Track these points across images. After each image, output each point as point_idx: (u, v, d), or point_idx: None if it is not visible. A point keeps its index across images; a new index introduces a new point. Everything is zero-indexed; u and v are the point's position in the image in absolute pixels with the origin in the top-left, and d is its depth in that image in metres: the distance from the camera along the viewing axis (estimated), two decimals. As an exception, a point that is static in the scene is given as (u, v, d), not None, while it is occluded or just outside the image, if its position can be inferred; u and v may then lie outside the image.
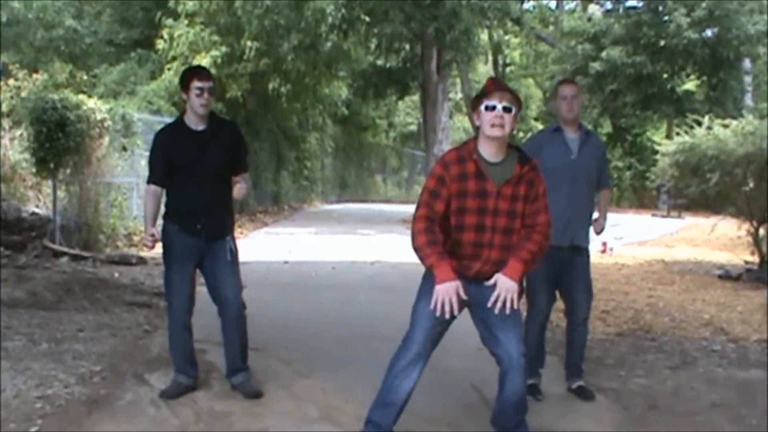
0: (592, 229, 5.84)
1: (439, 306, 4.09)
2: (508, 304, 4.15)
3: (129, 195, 13.68)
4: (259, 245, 14.69)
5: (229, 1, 18.62)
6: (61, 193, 12.12)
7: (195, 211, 5.27)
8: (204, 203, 5.28)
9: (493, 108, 4.18)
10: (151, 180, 5.37)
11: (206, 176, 5.28)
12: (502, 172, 4.22)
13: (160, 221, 5.41)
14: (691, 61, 30.66)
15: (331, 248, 14.03)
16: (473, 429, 4.87)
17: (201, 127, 5.32)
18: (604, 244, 13.88)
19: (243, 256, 12.54)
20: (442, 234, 4.25)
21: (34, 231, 11.53)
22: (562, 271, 5.60)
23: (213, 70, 17.74)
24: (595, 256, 13.27)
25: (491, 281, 4.19)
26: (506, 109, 4.19)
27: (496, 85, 4.33)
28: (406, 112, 40.58)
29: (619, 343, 7.38)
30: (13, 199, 12.39)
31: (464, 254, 4.27)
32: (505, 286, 4.15)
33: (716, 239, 16.08)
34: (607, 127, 36.94)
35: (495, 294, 4.15)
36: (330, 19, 17.72)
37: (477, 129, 4.35)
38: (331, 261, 12.41)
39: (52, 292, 8.42)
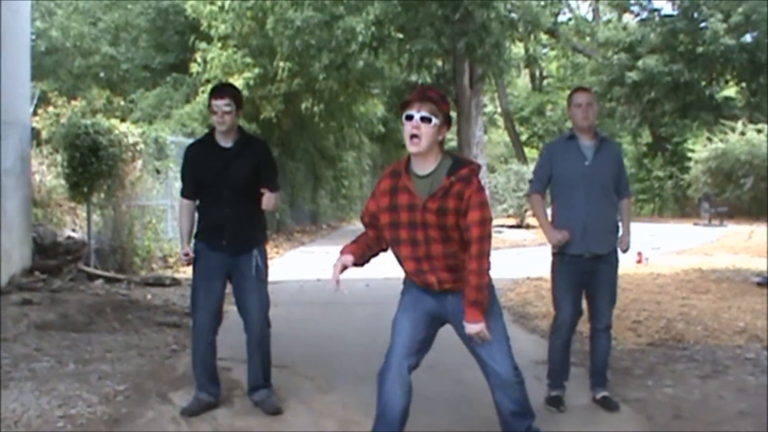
0: (619, 247, 5.75)
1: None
2: (482, 341, 4.13)
3: (164, 217, 13.84)
4: (294, 264, 14.76)
5: (261, 23, 18.80)
6: (95, 217, 12.28)
7: (219, 227, 5.34)
8: (228, 218, 5.33)
9: (411, 118, 4.05)
10: (183, 194, 5.56)
11: (230, 192, 5.33)
12: (430, 185, 4.09)
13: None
14: (730, 67, 30.31)
15: (367, 266, 13.97)
16: (493, 442, 4.82)
17: (228, 144, 5.39)
18: (640, 254, 13.73)
19: (277, 275, 12.69)
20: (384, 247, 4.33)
21: (69, 255, 11.71)
22: (586, 280, 5.55)
23: (246, 92, 18.00)
24: (630, 266, 13.19)
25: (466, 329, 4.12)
26: (424, 119, 4.03)
27: (419, 94, 4.16)
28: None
29: (649, 353, 7.26)
30: (50, 223, 12.61)
31: (409, 270, 4.22)
32: (473, 331, 4.10)
33: (756, 246, 15.83)
34: (646, 137, 36.65)
35: (472, 336, 4.12)
36: (360, 38, 17.81)
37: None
38: (365, 278, 12.33)
39: (83, 314, 8.52)
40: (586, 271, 5.50)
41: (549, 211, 5.77)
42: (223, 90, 5.60)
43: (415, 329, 4.25)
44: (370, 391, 5.64)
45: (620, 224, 5.79)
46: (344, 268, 4.24)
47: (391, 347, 4.28)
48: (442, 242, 4.07)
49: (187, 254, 5.39)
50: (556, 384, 5.66)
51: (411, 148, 4.06)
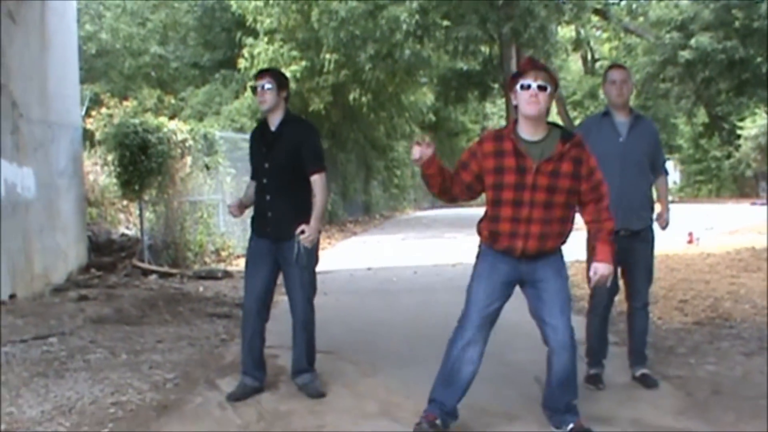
0: (657, 225, 5.77)
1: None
2: (600, 284, 4.53)
3: (215, 212, 14.05)
4: (346, 254, 14.92)
5: (306, 16, 18.95)
6: (148, 214, 12.54)
7: (264, 212, 5.48)
8: (271, 203, 5.45)
9: (528, 87, 4.32)
10: (252, 177, 5.75)
11: (272, 175, 5.45)
12: (542, 150, 4.36)
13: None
14: (788, 42, 29.62)
15: (416, 253, 14.14)
16: (531, 420, 4.88)
17: (274, 128, 5.51)
18: (690, 234, 13.62)
19: (329, 265, 12.89)
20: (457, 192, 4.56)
21: (123, 251, 12.01)
22: (621, 258, 5.56)
23: (294, 85, 18.12)
24: (680, 247, 13.09)
25: (591, 272, 4.50)
26: (541, 88, 4.31)
27: (532, 64, 4.48)
28: (500, 115, 40.45)
29: (694, 332, 7.25)
30: (104, 222, 12.92)
31: (503, 230, 4.43)
32: (601, 271, 4.45)
33: (814, 223, 15.55)
34: (702, 117, 36.09)
35: (593, 281, 4.52)
36: (404, 27, 17.85)
37: (516, 108, 4.48)
38: (414, 265, 12.51)
39: (137, 308, 8.75)
40: (622, 248, 5.49)
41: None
42: (263, 71, 5.77)
43: (489, 298, 4.50)
44: (413, 374, 5.78)
45: (658, 203, 5.83)
46: (423, 153, 4.34)
47: (465, 315, 4.55)
48: (544, 207, 4.36)
49: (238, 207, 5.64)
50: (594, 362, 5.70)
51: (530, 111, 4.34)
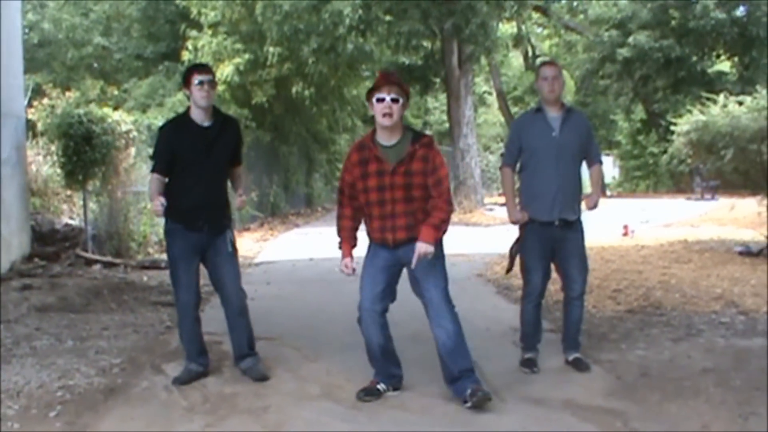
0: (584, 205, 5.96)
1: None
2: (422, 258, 4.96)
3: (159, 203, 14.01)
4: (288, 245, 15.01)
5: (250, 9, 18.96)
6: (92, 204, 12.51)
7: (198, 208, 5.50)
8: (207, 199, 5.54)
9: (383, 100, 4.94)
10: (156, 170, 5.58)
11: (209, 173, 5.53)
12: (396, 153, 5.01)
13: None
14: (721, 42, 30.32)
15: (358, 245, 14.22)
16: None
17: (207, 123, 5.54)
18: (626, 227, 13.99)
19: (271, 256, 12.93)
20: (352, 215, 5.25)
21: (67, 241, 11.98)
22: (556, 248, 5.81)
23: (237, 78, 18.20)
24: (616, 239, 13.45)
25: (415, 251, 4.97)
26: (394, 100, 4.94)
27: (386, 79, 5.03)
28: (441, 110, 40.72)
29: (626, 319, 7.51)
30: (48, 212, 12.87)
31: (376, 227, 5.11)
32: (421, 249, 4.94)
33: (743, 218, 16.02)
34: (640, 114, 36.74)
35: (415, 256, 4.95)
36: (348, 21, 17.96)
37: (372, 118, 5.07)
38: (356, 257, 12.65)
39: (81, 297, 8.81)
40: (555, 238, 5.76)
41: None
42: (202, 65, 5.86)
43: (374, 281, 5.17)
44: (353, 359, 5.97)
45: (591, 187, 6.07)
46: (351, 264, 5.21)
47: (360, 300, 5.20)
48: (405, 202, 5.01)
49: (162, 203, 5.34)
50: (529, 347, 5.95)
51: (385, 123, 4.98)
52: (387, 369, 5.30)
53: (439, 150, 5.17)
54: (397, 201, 4.99)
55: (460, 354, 5.06)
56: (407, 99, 5.05)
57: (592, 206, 5.96)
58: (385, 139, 5.05)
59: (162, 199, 5.35)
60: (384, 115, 4.93)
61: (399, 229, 5.03)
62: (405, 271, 5.22)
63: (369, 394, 5.19)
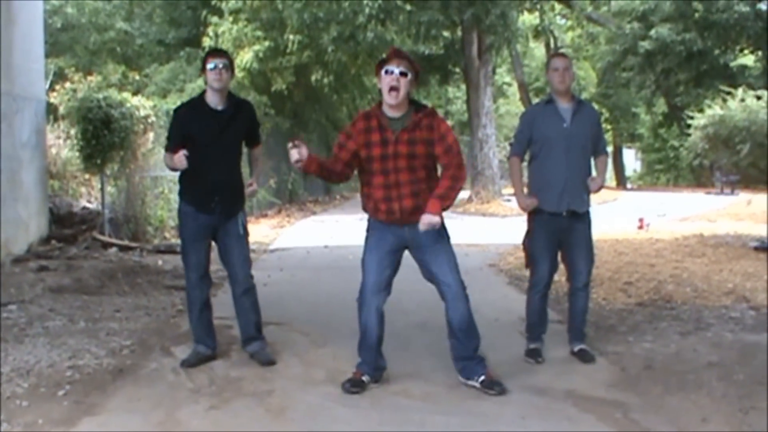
0: (591, 186, 5.93)
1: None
2: (428, 228, 4.89)
3: (176, 188, 14.10)
4: (304, 232, 15.11)
5: (271, -3, 19.04)
6: (109, 188, 12.65)
7: (211, 190, 5.56)
8: (220, 182, 5.59)
9: (391, 72, 4.91)
10: (168, 150, 5.66)
11: (223, 155, 5.60)
12: (402, 123, 5.00)
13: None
14: (744, 35, 30.10)
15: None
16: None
17: (221, 107, 5.59)
18: (641, 220, 13.95)
19: (286, 242, 13.00)
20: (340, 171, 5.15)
21: (84, 224, 12.11)
22: (563, 238, 5.83)
23: (256, 65, 18.26)
24: (631, 232, 13.42)
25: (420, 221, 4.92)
26: (402, 74, 4.92)
27: (396, 53, 5.05)
28: (463, 99, 40.62)
29: (636, 312, 7.51)
30: (66, 195, 12.99)
31: (379, 197, 5.04)
32: (426, 220, 4.89)
33: (761, 213, 15.94)
34: (662, 107, 36.58)
35: (421, 225, 4.90)
36: (367, 10, 17.99)
37: (380, 91, 5.04)
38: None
39: (96, 279, 8.92)
40: (563, 229, 5.78)
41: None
42: (218, 50, 5.94)
43: (380, 266, 5.15)
44: (361, 345, 6.00)
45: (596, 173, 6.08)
46: (301, 153, 4.92)
47: (363, 285, 5.18)
48: (408, 171, 4.99)
49: (185, 154, 5.39)
50: (534, 337, 5.98)
51: (390, 98, 4.94)
52: (376, 360, 5.29)
53: (443, 118, 5.19)
54: (401, 170, 4.98)
55: (473, 333, 5.15)
56: (416, 77, 5.02)
57: (597, 189, 5.93)
58: (391, 111, 5.02)
59: (184, 150, 5.42)
60: (391, 89, 4.91)
61: (405, 197, 4.99)
62: (413, 259, 5.19)
63: (355, 385, 5.14)
